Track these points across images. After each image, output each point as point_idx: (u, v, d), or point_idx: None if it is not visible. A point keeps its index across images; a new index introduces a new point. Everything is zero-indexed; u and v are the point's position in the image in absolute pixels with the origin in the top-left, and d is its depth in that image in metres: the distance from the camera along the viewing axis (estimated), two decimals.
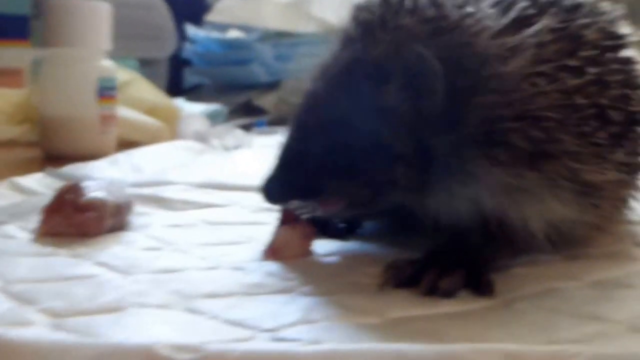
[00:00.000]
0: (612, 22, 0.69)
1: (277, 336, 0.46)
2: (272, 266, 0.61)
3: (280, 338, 0.46)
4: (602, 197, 0.63)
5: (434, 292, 0.54)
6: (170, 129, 1.51)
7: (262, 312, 0.51)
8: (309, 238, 0.66)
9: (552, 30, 0.61)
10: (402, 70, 0.58)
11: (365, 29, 0.62)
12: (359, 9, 0.65)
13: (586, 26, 0.64)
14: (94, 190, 0.72)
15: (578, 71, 0.61)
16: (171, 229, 0.74)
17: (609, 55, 0.65)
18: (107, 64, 1.28)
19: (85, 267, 0.60)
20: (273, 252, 0.64)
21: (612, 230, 0.71)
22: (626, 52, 0.69)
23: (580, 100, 0.61)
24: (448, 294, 0.54)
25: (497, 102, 0.57)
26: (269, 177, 0.61)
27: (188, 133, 1.44)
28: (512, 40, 0.59)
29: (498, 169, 0.58)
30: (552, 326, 0.48)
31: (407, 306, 0.52)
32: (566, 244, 0.63)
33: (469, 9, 0.60)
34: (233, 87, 1.98)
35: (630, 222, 0.74)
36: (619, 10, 0.70)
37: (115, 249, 0.65)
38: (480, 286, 0.56)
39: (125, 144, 1.32)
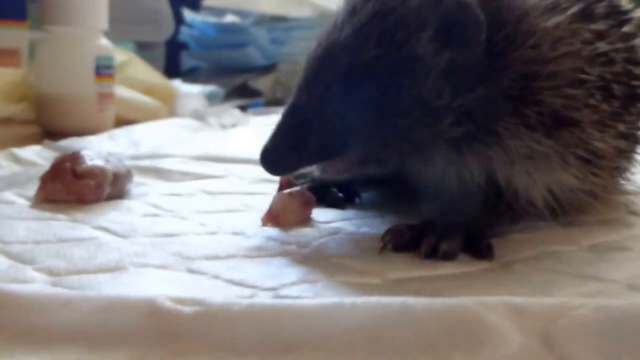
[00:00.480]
0: None
1: (279, 294, 0.45)
2: (272, 231, 0.60)
3: (282, 296, 0.45)
4: (601, 166, 0.62)
5: (433, 254, 0.53)
6: (168, 108, 1.49)
7: (263, 273, 0.50)
8: (308, 205, 0.65)
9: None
10: (441, 18, 0.54)
11: None
12: None
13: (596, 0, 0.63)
14: (92, 159, 0.70)
15: (590, 43, 0.60)
16: (170, 197, 0.73)
17: (614, 30, 0.64)
18: (105, 43, 1.26)
19: (83, 231, 0.58)
20: (272, 218, 0.63)
21: (609, 199, 0.69)
22: (629, 28, 0.68)
23: (592, 71, 0.59)
24: (448, 257, 0.53)
25: (534, 59, 0.55)
26: (272, 144, 0.57)
27: (185, 112, 1.43)
28: None
29: (526, 130, 0.56)
30: (552, 285, 0.48)
31: (406, 268, 0.52)
32: (565, 212, 0.62)
33: None
34: (229, 70, 1.97)
35: (627, 192, 0.73)
36: None
37: (113, 215, 0.64)
38: (480, 250, 0.55)
39: (123, 122, 1.30)
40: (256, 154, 0.58)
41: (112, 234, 0.58)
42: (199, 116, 1.32)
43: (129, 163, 0.84)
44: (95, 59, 1.23)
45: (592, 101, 0.59)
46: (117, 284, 0.46)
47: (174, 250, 0.54)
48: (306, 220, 0.64)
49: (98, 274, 0.48)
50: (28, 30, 1.58)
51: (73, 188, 0.67)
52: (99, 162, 0.70)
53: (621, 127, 0.63)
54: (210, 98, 1.71)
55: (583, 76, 0.58)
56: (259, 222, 0.62)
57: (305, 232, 0.60)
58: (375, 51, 0.54)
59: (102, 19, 1.26)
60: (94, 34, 1.25)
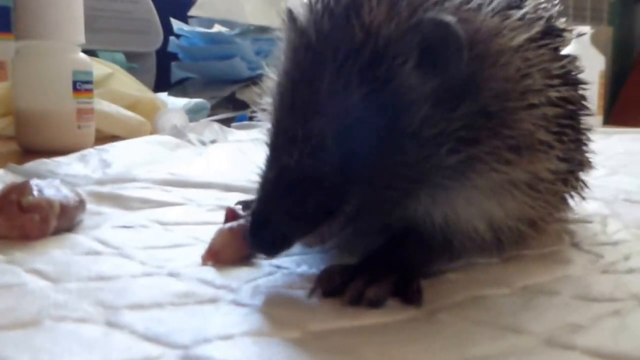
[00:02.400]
0: (553, 18, 0.65)
1: (188, 354, 0.42)
2: (208, 272, 0.57)
3: (190, 357, 0.42)
4: (543, 192, 0.59)
5: (359, 301, 0.50)
6: (152, 123, 1.47)
7: (181, 325, 0.47)
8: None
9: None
10: (422, 42, 0.50)
11: (345, 8, 0.51)
12: None
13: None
14: (42, 189, 0.67)
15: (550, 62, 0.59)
16: (120, 230, 0.70)
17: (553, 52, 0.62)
18: (83, 57, 1.23)
19: (15, 275, 0.55)
20: (212, 255, 0.60)
21: (551, 230, 0.67)
22: (567, 49, 0.65)
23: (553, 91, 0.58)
24: (373, 304, 0.50)
25: (507, 76, 0.52)
26: (263, 218, 0.51)
27: (166, 127, 1.40)
28: (514, 15, 0.55)
29: (505, 150, 0.53)
30: (469, 340, 0.45)
31: (330, 318, 0.48)
32: (504, 245, 0.59)
33: None
34: (218, 81, 1.93)
35: (569, 222, 0.71)
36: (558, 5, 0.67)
37: (54, 253, 0.61)
38: (408, 295, 0.51)
39: (106, 139, 1.28)
40: (220, 177, 0.54)
41: (44, 278, 0.55)
42: (178, 133, 1.29)
43: (89, 189, 0.82)
44: (73, 74, 1.19)
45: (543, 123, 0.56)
46: (24, 345, 0.43)
47: (99, 299, 0.50)
48: (247, 256, 0.61)
49: (10, 330, 0.45)
50: (14, 42, 1.54)
51: (17, 222, 0.64)
52: (49, 192, 0.67)
53: (559, 151, 0.60)
54: (197, 111, 1.68)
55: (552, 94, 0.56)
56: (200, 259, 0.59)
57: (241, 272, 0.57)
58: (360, 91, 0.49)
59: (78, 32, 1.22)
60: (71, 48, 1.21)
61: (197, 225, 0.73)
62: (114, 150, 1.09)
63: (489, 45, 0.52)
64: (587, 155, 0.69)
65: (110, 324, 0.47)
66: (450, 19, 0.50)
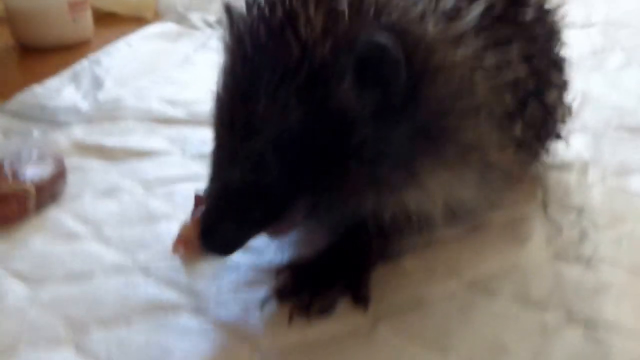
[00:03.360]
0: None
1: None
2: (174, 271, 0.64)
3: None
4: (499, 175, 0.63)
5: (309, 310, 0.57)
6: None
7: (143, 353, 0.55)
8: None
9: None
10: (357, 62, 0.52)
11: (281, 25, 0.52)
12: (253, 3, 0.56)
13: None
14: (17, 170, 0.73)
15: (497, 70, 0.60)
16: (101, 201, 0.77)
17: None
18: None
19: None
20: (180, 244, 0.67)
21: (525, 185, 0.72)
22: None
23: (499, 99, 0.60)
24: (321, 314, 0.57)
25: (446, 95, 0.55)
26: (211, 226, 0.55)
27: (170, 8, 1.41)
28: (454, 27, 0.55)
29: (443, 168, 0.57)
30: None
31: (280, 332, 0.56)
32: (464, 218, 0.65)
33: None
34: None
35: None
36: None
37: (33, 243, 0.69)
38: (358, 298, 0.58)
39: (103, 19, 1.29)
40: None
41: (22, 281, 0.64)
42: (180, 19, 1.31)
43: (75, 136, 0.88)
44: None
45: (490, 120, 0.60)
46: None
47: (69, 315, 0.59)
48: None
49: None
50: None
51: None
52: (24, 172, 0.74)
53: (518, 129, 0.64)
54: None
55: (489, 106, 0.59)
56: (169, 250, 0.66)
57: (206, 268, 0.64)
58: (298, 112, 0.52)
59: None
60: None
61: (178, 183, 0.79)
62: (107, 61, 1.13)
63: (428, 61, 0.53)
64: (562, 114, 0.72)
65: (79, 348, 0.56)
66: (385, 39, 0.51)
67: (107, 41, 1.23)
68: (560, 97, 0.71)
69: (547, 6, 0.68)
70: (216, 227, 0.55)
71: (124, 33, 1.27)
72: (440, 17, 0.55)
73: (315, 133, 0.53)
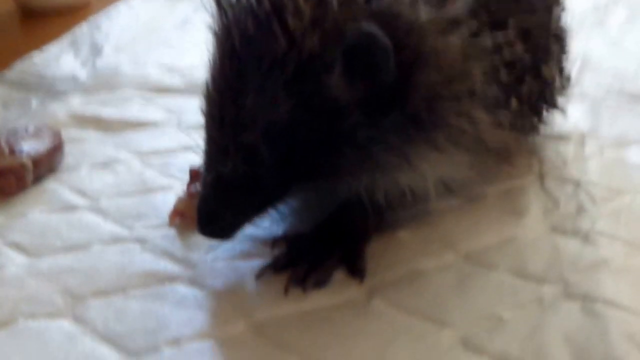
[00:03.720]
0: None
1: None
2: (170, 241, 0.64)
3: None
4: (494, 152, 0.63)
5: (304, 283, 0.57)
6: None
7: (139, 324, 0.55)
8: None
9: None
10: (347, 52, 0.52)
11: (267, 16, 0.52)
12: None
13: None
14: (14, 145, 0.73)
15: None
16: (98, 172, 0.77)
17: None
18: None
19: None
20: (178, 216, 0.67)
21: (522, 157, 0.72)
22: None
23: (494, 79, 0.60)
24: (317, 286, 0.57)
25: (438, 80, 0.55)
26: (207, 213, 0.56)
27: None
28: (447, 12, 0.55)
29: (435, 152, 0.57)
30: (394, 339, 0.52)
31: (275, 302, 0.56)
32: (458, 190, 0.65)
33: None
34: None
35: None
36: None
37: (32, 215, 0.69)
38: (353, 270, 0.58)
39: None
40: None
41: (21, 253, 0.64)
42: None
43: (73, 107, 0.88)
44: None
45: (485, 99, 0.60)
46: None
47: (68, 286, 0.59)
48: None
49: None
50: None
51: None
52: (21, 146, 0.74)
53: (515, 105, 0.64)
54: None
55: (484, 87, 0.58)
56: (167, 221, 0.67)
57: (201, 238, 0.63)
58: (287, 105, 0.53)
59: None
60: None
61: (174, 154, 0.79)
62: (106, 26, 1.13)
63: (419, 47, 0.53)
64: (560, 84, 0.71)
65: (76, 319, 0.56)
66: (373, 28, 0.51)
67: (107, 4, 1.23)
68: (558, 69, 0.71)
69: None
70: (213, 214, 0.56)
71: None
72: (432, 2, 0.54)
73: (306, 124, 0.53)
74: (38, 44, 1.05)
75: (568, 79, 0.74)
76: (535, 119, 0.70)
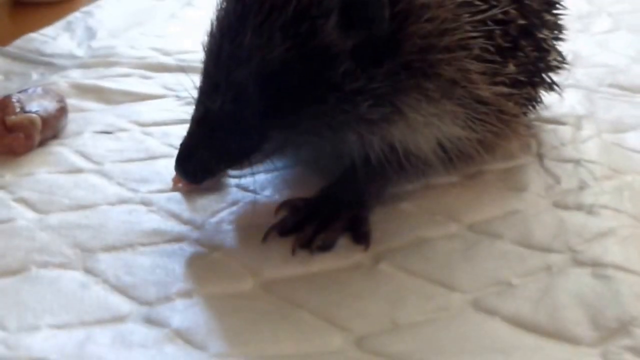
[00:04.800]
0: None
1: (150, 316, 0.50)
2: (175, 204, 0.64)
3: (152, 320, 0.50)
4: (491, 113, 0.63)
5: (309, 246, 0.57)
6: None
7: (149, 276, 0.55)
8: None
9: None
10: (343, 1, 0.54)
11: None
12: None
13: None
14: (24, 104, 0.72)
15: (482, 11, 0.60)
16: (101, 138, 0.76)
17: None
18: None
19: (4, 207, 0.63)
20: (180, 181, 0.66)
21: (519, 135, 0.71)
22: None
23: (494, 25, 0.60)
24: (322, 250, 0.57)
25: (431, 32, 0.56)
26: (188, 152, 0.56)
27: None
28: None
29: (427, 103, 0.58)
30: (402, 301, 0.52)
31: (282, 262, 0.56)
32: (459, 162, 0.65)
33: None
34: None
35: (524, 135, 0.74)
36: None
37: (39, 174, 0.68)
38: (358, 236, 0.58)
39: None
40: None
41: (30, 208, 0.63)
42: None
43: (73, 78, 0.87)
44: None
45: (479, 56, 0.60)
46: (10, 302, 0.51)
47: (77, 240, 0.58)
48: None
49: (1, 277, 0.54)
50: None
51: (4, 142, 0.71)
52: (30, 106, 0.73)
53: (512, 68, 0.64)
54: None
55: (476, 41, 0.59)
56: (170, 186, 0.66)
57: (207, 202, 0.64)
58: (281, 48, 0.54)
59: None
60: None
61: (174, 125, 0.78)
62: (98, 14, 1.12)
63: (412, 1, 0.55)
64: (555, 59, 0.71)
65: (87, 271, 0.55)
66: None
67: None
68: (553, 39, 0.71)
69: None
70: (192, 153, 0.56)
71: None
72: None
73: (297, 68, 0.54)
74: (29, 31, 1.04)
75: (562, 56, 0.74)
76: (533, 91, 0.70)
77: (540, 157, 0.72)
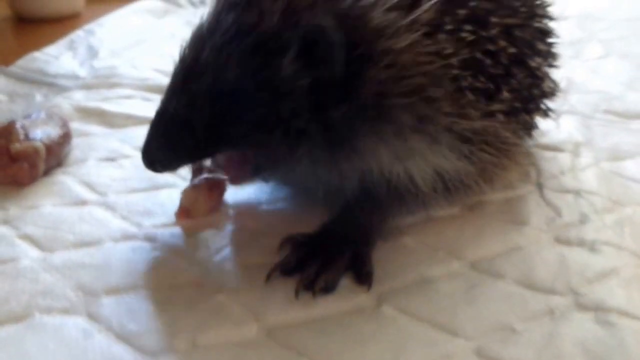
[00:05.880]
0: None
1: None
2: (178, 240, 0.63)
3: None
4: (487, 142, 0.62)
5: (312, 287, 0.56)
6: None
7: (152, 324, 0.53)
8: (217, 190, 0.66)
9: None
10: (300, 40, 0.53)
11: None
12: None
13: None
14: (28, 131, 0.71)
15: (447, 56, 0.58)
16: (105, 166, 0.75)
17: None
18: None
19: (9, 245, 0.62)
20: (184, 213, 0.65)
21: (517, 165, 0.69)
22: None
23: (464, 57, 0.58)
24: (326, 291, 0.56)
25: (389, 78, 0.55)
26: (149, 144, 0.58)
27: None
28: (402, 17, 0.55)
29: (384, 143, 0.57)
30: (405, 346, 0.50)
31: (285, 306, 0.54)
32: (459, 193, 0.64)
33: None
34: None
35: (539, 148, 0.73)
36: None
37: (44, 207, 0.67)
38: (360, 277, 0.57)
39: None
40: None
41: (35, 246, 0.62)
42: None
43: (77, 101, 0.85)
44: None
45: (464, 83, 0.59)
46: (13, 350, 0.50)
47: (81, 282, 0.57)
48: (218, 206, 0.66)
49: (4, 325, 0.52)
50: None
51: (8, 172, 0.69)
52: (35, 132, 0.71)
53: (500, 99, 0.62)
54: None
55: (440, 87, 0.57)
56: (173, 219, 0.65)
57: (210, 237, 0.63)
58: (235, 72, 0.54)
59: None
60: None
61: None
62: (100, 32, 1.10)
63: (373, 46, 0.53)
64: (549, 85, 0.70)
65: (91, 316, 0.53)
66: (326, 23, 0.52)
67: (97, 15, 1.23)
68: (546, 66, 0.69)
69: None
70: (151, 145, 0.58)
71: (112, 8, 1.27)
72: (401, 5, 0.55)
73: (249, 94, 0.55)
74: (33, 47, 1.03)
75: (556, 83, 0.72)
76: (528, 118, 0.69)
77: (540, 186, 0.70)
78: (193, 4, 1.28)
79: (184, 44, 0.58)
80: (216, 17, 0.56)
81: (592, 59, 1.04)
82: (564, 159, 0.75)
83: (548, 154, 0.76)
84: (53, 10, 1.23)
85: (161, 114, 0.58)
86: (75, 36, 1.07)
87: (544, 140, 0.76)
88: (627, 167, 0.73)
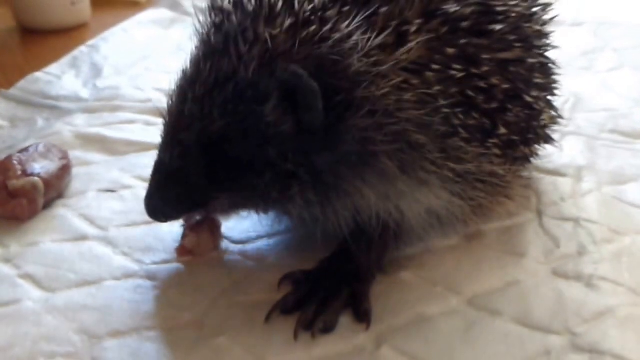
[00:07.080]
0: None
1: None
2: (179, 279, 0.64)
3: None
4: (479, 181, 0.62)
5: (311, 328, 0.57)
6: None
7: None
8: (217, 230, 0.67)
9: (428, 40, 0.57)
10: (281, 86, 0.54)
11: (225, 38, 0.56)
12: (213, 9, 0.60)
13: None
14: (25, 165, 0.72)
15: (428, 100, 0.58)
16: (105, 199, 0.75)
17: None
18: None
19: (10, 286, 0.63)
20: (185, 252, 0.66)
21: (517, 191, 0.70)
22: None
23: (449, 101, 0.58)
24: (324, 332, 0.57)
25: (371, 125, 0.55)
26: (150, 193, 0.59)
27: None
28: (384, 60, 0.55)
29: (371, 187, 0.58)
30: None
31: (285, 346, 0.56)
32: (454, 227, 0.65)
33: (332, 16, 0.55)
34: None
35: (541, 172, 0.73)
36: None
37: (45, 244, 0.68)
38: (359, 315, 0.58)
39: (101, 3, 1.31)
40: None
41: (36, 286, 0.63)
42: (173, 4, 1.29)
43: (78, 127, 0.86)
44: None
45: (453, 126, 0.59)
46: None
47: (84, 325, 0.58)
48: (217, 244, 0.67)
49: None
50: None
51: (7, 208, 0.70)
52: (32, 167, 0.72)
53: (496, 134, 0.62)
54: None
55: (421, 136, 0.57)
56: (175, 255, 0.66)
57: (210, 276, 0.64)
58: (220, 122, 0.55)
59: None
60: None
61: None
62: (105, 48, 1.11)
63: (353, 93, 0.54)
64: (548, 116, 0.70)
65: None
66: (302, 70, 0.52)
67: (104, 25, 1.24)
68: (544, 98, 0.69)
69: (524, 12, 0.65)
70: (152, 196, 0.59)
71: (119, 17, 1.27)
72: (374, 49, 0.54)
73: (237, 142, 0.56)
74: (38, 60, 1.06)
75: (557, 111, 0.72)
76: (527, 150, 0.69)
77: (539, 213, 0.71)
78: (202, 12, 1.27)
79: (170, 94, 0.59)
80: (196, 66, 0.57)
81: (604, 71, 1.04)
82: (566, 184, 0.76)
83: (549, 179, 0.77)
84: (59, 22, 1.24)
85: (159, 165, 0.59)
86: (78, 52, 1.08)
87: (546, 164, 0.77)
88: (629, 192, 0.74)
